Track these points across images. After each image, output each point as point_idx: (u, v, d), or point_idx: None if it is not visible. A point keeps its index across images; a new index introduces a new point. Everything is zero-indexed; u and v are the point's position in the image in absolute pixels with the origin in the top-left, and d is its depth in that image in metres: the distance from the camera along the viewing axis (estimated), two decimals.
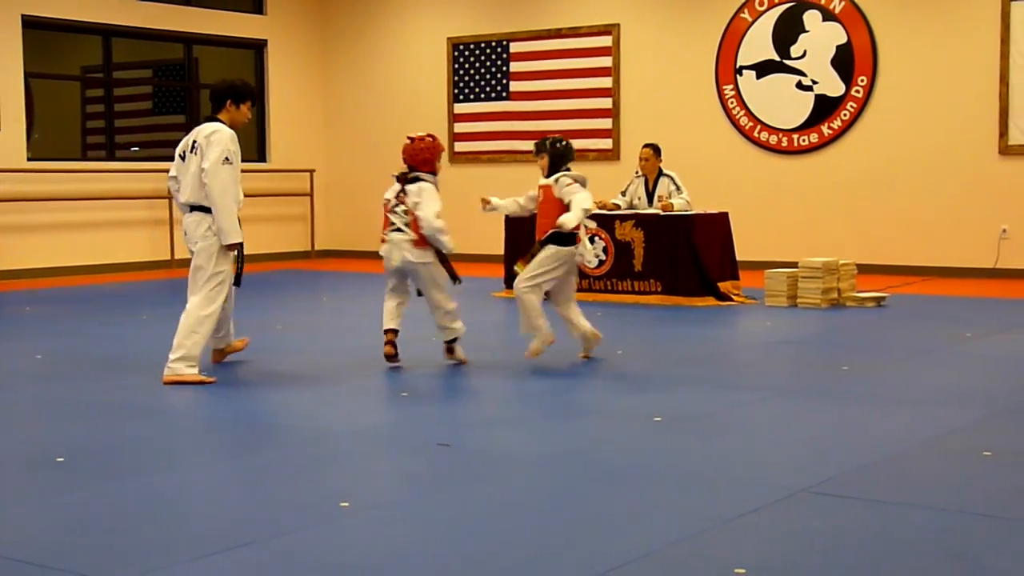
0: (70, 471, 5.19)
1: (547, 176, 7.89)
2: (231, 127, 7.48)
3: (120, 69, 16.55)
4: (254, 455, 5.49)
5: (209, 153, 7.30)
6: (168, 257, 16.01)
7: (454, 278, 7.67)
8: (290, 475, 5.20)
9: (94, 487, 4.92)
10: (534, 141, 8.21)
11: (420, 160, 7.60)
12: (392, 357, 7.56)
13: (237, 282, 7.57)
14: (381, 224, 7.73)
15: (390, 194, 7.65)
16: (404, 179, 7.61)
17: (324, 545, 4.13)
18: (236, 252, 7.37)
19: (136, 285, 14.00)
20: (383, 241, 7.67)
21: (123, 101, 16.52)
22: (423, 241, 7.50)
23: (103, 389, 7.17)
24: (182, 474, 5.14)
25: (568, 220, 7.43)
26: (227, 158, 7.28)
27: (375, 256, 8.08)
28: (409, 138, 7.68)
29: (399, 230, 7.56)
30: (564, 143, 8.02)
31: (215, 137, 7.32)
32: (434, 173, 7.66)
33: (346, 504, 4.58)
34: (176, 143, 7.88)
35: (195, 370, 7.19)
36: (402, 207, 7.56)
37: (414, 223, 7.49)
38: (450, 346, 7.77)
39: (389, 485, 5.08)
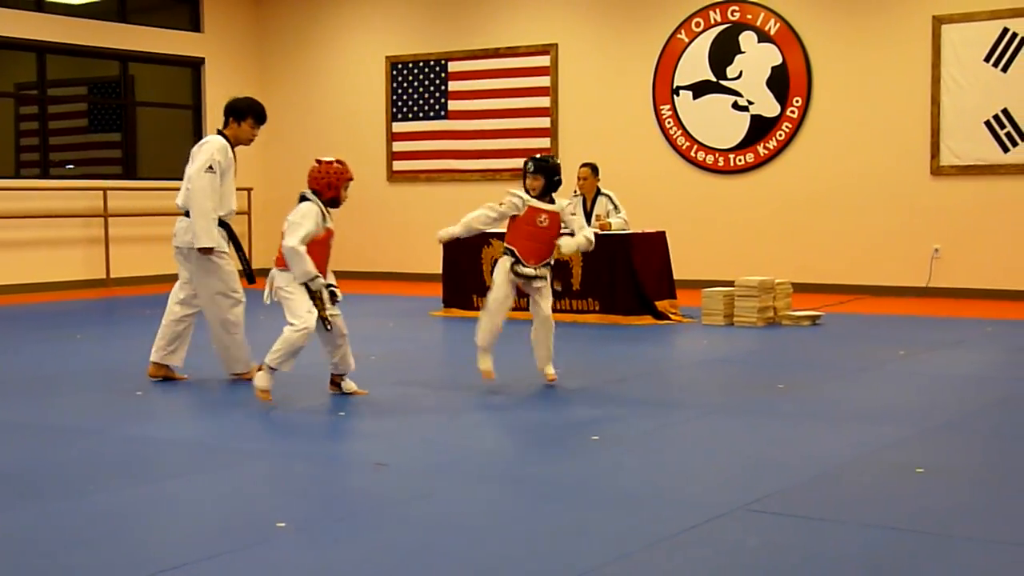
0: (2, 493, 5.11)
1: (539, 196, 7.57)
2: (235, 143, 7.78)
3: (55, 86, 16.39)
4: (188, 476, 5.45)
5: (195, 160, 7.66)
6: (103, 276, 15.85)
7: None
8: (225, 496, 5.16)
9: (27, 509, 4.85)
10: (528, 159, 7.71)
11: (324, 184, 7.06)
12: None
13: (251, 279, 7.76)
14: None
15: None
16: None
17: (260, 566, 4.10)
18: (240, 256, 7.77)
19: (70, 304, 13.84)
20: None
21: (58, 118, 16.35)
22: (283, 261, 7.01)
23: (36, 409, 7.09)
24: (117, 495, 5.08)
25: (569, 244, 7.62)
26: (211, 166, 7.59)
27: None
28: (318, 161, 7.17)
29: None
30: (556, 160, 7.73)
31: (205, 146, 7.71)
32: (336, 201, 7.11)
33: (283, 524, 4.56)
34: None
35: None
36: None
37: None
38: (261, 366, 7.10)
39: (326, 505, 5.05)
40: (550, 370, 7.69)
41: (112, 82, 16.93)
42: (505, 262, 7.59)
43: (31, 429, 6.50)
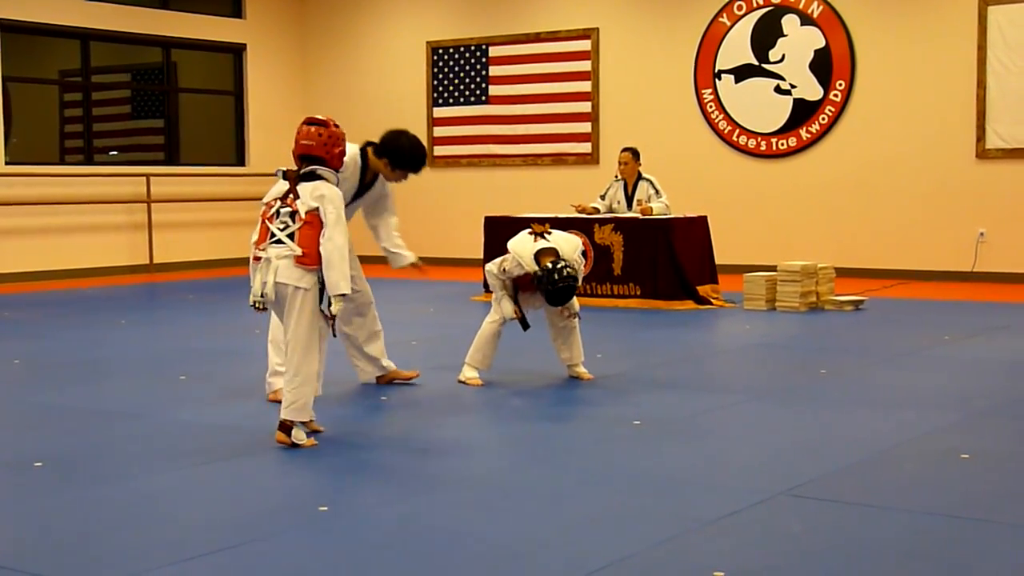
0: (48, 476, 5.17)
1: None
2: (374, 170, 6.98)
3: (98, 73, 16.49)
4: (232, 459, 5.47)
5: None
6: (147, 261, 15.95)
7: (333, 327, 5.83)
8: (269, 479, 5.19)
9: (72, 492, 4.90)
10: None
11: (337, 153, 5.87)
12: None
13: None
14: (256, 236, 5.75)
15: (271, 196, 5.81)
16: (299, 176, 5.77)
17: (304, 549, 4.12)
18: None
19: (115, 289, 13.95)
20: (255, 259, 5.71)
21: (101, 105, 16.46)
22: (310, 259, 5.59)
23: (81, 394, 7.15)
24: (160, 479, 5.12)
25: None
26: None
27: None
28: (319, 120, 5.85)
29: (279, 242, 5.64)
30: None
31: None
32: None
33: (325, 508, 4.58)
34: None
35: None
36: (288, 210, 5.67)
37: (304, 235, 5.60)
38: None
39: (368, 488, 5.07)
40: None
41: (155, 68, 17.02)
42: None
43: (75, 413, 6.56)
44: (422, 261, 7.04)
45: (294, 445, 5.60)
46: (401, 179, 6.91)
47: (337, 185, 5.78)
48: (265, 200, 5.79)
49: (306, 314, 5.60)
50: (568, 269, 6.90)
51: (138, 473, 5.22)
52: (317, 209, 5.61)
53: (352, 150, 6.65)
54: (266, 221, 5.69)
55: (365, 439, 6.00)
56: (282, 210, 5.65)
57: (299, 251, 5.55)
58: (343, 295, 5.57)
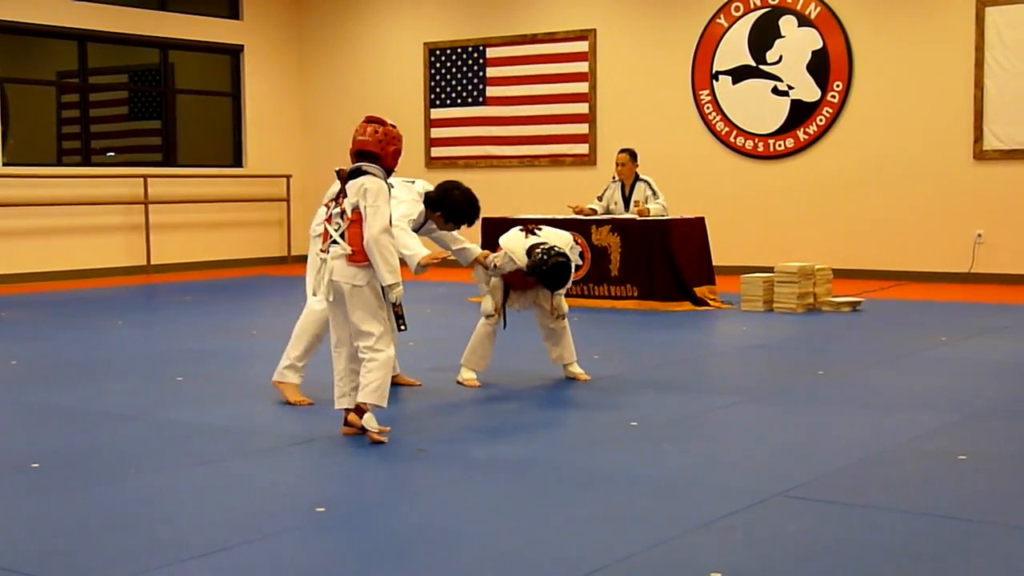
0: (45, 477, 5.16)
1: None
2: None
3: (96, 74, 16.49)
4: (228, 460, 5.47)
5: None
6: (144, 263, 15.94)
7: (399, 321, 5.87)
8: (266, 480, 5.18)
9: (69, 493, 4.90)
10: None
11: (392, 151, 5.92)
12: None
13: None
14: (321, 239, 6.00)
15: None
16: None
17: (300, 550, 4.12)
18: None
19: (112, 291, 13.94)
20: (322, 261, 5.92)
21: (99, 106, 16.44)
22: (360, 256, 5.75)
23: (78, 394, 7.14)
24: (158, 479, 5.12)
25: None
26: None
27: None
28: (377, 119, 5.96)
29: (335, 242, 5.82)
30: None
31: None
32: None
33: (322, 509, 4.57)
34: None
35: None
36: (338, 210, 5.84)
37: (352, 233, 5.76)
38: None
39: (365, 490, 5.07)
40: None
41: (152, 70, 17.01)
42: None
43: (72, 413, 6.55)
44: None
45: (363, 430, 5.72)
46: (454, 229, 7.07)
47: (385, 181, 5.86)
48: (324, 202, 5.98)
49: (367, 306, 5.77)
50: (555, 248, 6.98)
51: (135, 474, 5.22)
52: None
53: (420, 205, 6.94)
54: (326, 223, 5.89)
55: (361, 440, 5.99)
56: (333, 212, 5.84)
57: (349, 250, 5.73)
58: (395, 284, 5.71)
